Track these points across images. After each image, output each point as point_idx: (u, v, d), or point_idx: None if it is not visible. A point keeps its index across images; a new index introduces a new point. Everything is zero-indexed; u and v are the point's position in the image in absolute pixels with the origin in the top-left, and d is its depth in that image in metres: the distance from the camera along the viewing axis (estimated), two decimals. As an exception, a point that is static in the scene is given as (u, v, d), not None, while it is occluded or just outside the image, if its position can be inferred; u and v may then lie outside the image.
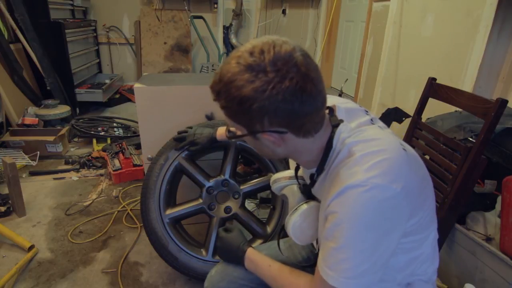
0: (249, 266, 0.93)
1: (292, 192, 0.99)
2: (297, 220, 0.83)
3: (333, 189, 0.66)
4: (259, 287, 0.98)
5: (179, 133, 1.45)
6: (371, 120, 0.76)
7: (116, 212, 2.00)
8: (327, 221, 0.67)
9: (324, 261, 0.67)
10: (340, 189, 0.64)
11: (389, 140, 0.68)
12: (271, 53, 0.60)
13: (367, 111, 0.79)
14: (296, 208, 0.83)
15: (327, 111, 0.73)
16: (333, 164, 0.71)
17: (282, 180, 1.00)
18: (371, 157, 0.64)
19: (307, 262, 1.06)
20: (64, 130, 2.75)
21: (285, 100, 0.60)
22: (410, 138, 1.51)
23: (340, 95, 3.52)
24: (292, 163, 0.96)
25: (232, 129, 0.73)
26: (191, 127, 1.45)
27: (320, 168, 0.74)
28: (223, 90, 0.63)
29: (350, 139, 0.69)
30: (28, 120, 2.89)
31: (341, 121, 0.72)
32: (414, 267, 0.77)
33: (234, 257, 0.96)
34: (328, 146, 0.71)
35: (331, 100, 0.79)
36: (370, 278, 0.65)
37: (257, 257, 0.92)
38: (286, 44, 0.62)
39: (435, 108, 1.58)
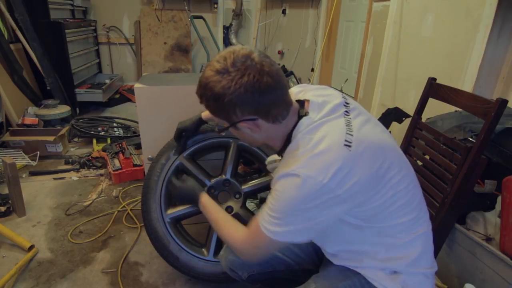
0: (201, 209, 1.11)
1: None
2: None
3: (280, 171, 0.81)
4: (271, 261, 1.08)
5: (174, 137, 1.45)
6: (345, 112, 0.83)
7: (116, 212, 2.00)
8: (270, 193, 0.82)
9: (263, 219, 0.82)
10: (281, 174, 0.79)
11: (333, 139, 0.77)
12: (232, 57, 0.76)
13: (346, 104, 0.86)
14: None
15: (297, 103, 0.86)
16: (286, 150, 0.84)
17: (273, 162, 1.20)
18: (309, 153, 0.76)
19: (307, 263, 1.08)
20: (64, 130, 2.75)
21: (247, 91, 0.75)
22: (410, 138, 1.51)
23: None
24: None
25: (219, 123, 0.87)
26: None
27: (282, 152, 0.87)
28: (202, 92, 0.80)
29: (300, 134, 0.81)
30: (28, 120, 2.89)
31: (307, 113, 0.83)
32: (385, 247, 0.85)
33: (191, 199, 1.15)
34: (289, 134, 0.85)
35: (321, 92, 0.89)
36: (296, 236, 0.81)
37: (209, 202, 1.10)
38: (243, 49, 0.77)
39: (435, 108, 1.59)
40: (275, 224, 0.80)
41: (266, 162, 1.28)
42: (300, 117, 0.83)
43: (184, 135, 1.40)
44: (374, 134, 0.83)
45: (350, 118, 0.82)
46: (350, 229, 0.84)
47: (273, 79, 0.76)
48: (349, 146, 0.75)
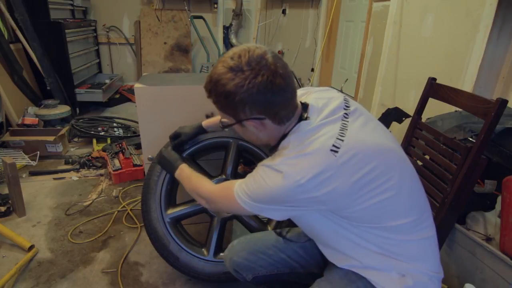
0: (178, 174, 1.17)
1: None
2: None
3: (266, 160, 0.84)
4: (276, 263, 1.08)
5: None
6: (344, 115, 0.84)
7: (116, 212, 2.00)
8: (253, 172, 0.86)
9: (239, 188, 0.87)
10: (266, 163, 0.83)
11: (321, 143, 0.78)
12: (246, 56, 0.76)
13: (347, 106, 0.86)
14: None
15: (301, 106, 0.87)
16: (279, 146, 0.87)
17: None
18: (294, 153, 0.79)
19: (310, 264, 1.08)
20: (64, 130, 2.75)
21: (259, 92, 0.76)
22: (410, 138, 1.51)
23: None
24: None
25: (223, 120, 0.88)
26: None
27: (274, 149, 0.90)
28: (213, 88, 0.79)
29: (293, 135, 0.83)
30: (28, 120, 2.89)
31: (307, 118, 0.83)
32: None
33: (171, 167, 1.21)
34: (284, 135, 0.86)
35: (324, 94, 0.90)
36: (266, 213, 0.85)
37: (186, 168, 1.16)
38: (258, 49, 0.78)
39: (435, 108, 1.59)
40: (248, 198, 0.84)
41: None
42: (300, 120, 0.84)
43: (181, 137, 1.40)
44: (371, 137, 0.82)
45: (347, 121, 0.82)
46: (342, 228, 0.85)
47: (285, 81, 0.77)
48: (336, 152, 0.76)
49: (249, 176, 0.87)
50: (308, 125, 0.82)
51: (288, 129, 0.85)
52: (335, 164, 0.76)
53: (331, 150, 0.76)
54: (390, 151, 0.84)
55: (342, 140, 0.78)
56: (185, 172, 1.16)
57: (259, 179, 0.82)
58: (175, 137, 1.40)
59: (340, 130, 0.80)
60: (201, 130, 1.38)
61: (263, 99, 0.77)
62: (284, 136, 0.86)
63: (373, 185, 0.78)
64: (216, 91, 0.78)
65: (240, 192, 0.87)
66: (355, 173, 0.77)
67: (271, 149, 0.92)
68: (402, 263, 0.84)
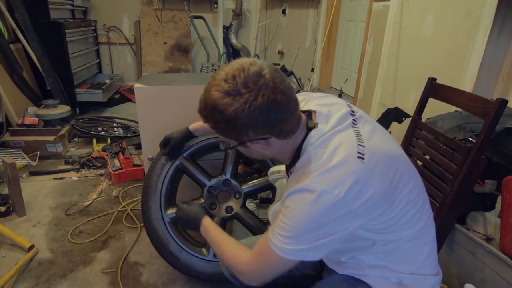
0: (203, 233, 1.04)
1: (281, 185, 1.18)
2: (277, 209, 0.95)
3: (291, 186, 0.77)
4: None
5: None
6: (353, 121, 0.81)
7: (116, 212, 2.00)
8: (281, 211, 0.78)
9: (273, 237, 0.78)
10: (293, 189, 0.75)
11: (346, 151, 0.74)
12: (242, 76, 0.69)
13: (353, 112, 0.84)
14: (280, 199, 0.94)
15: (305, 114, 0.83)
16: (297, 165, 0.80)
17: (276, 173, 1.21)
18: (322, 167, 0.73)
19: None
20: (64, 130, 2.75)
21: (262, 113, 0.70)
22: (410, 138, 1.51)
23: (340, 96, 3.52)
24: None
25: (224, 141, 0.83)
26: None
27: (292, 166, 0.84)
28: (210, 115, 0.73)
29: (312, 147, 0.78)
30: (28, 120, 2.89)
31: (316, 125, 0.80)
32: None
33: (192, 224, 1.07)
34: (299, 148, 0.81)
35: (325, 101, 0.87)
36: (309, 254, 0.76)
37: (211, 226, 1.03)
38: (253, 66, 0.71)
39: (435, 108, 1.58)
40: (287, 244, 0.76)
41: (269, 173, 1.28)
42: (309, 129, 0.80)
43: (171, 144, 1.40)
44: (383, 144, 0.81)
45: (358, 128, 0.80)
46: (359, 241, 0.82)
47: (286, 96, 0.72)
48: (362, 158, 0.73)
49: (278, 218, 0.79)
50: (321, 134, 0.78)
51: (297, 141, 0.81)
52: (366, 171, 0.73)
53: (358, 157, 0.73)
54: (400, 157, 0.83)
55: (363, 146, 0.75)
56: (214, 237, 1.00)
57: (292, 212, 0.75)
58: (164, 144, 1.41)
59: (356, 136, 0.77)
60: (190, 135, 1.37)
61: (267, 119, 0.71)
62: (298, 152, 0.81)
63: (400, 186, 0.77)
64: (214, 118, 0.72)
65: (276, 241, 0.77)
66: (385, 177, 0.75)
67: (287, 167, 0.87)
68: (404, 271, 0.84)
